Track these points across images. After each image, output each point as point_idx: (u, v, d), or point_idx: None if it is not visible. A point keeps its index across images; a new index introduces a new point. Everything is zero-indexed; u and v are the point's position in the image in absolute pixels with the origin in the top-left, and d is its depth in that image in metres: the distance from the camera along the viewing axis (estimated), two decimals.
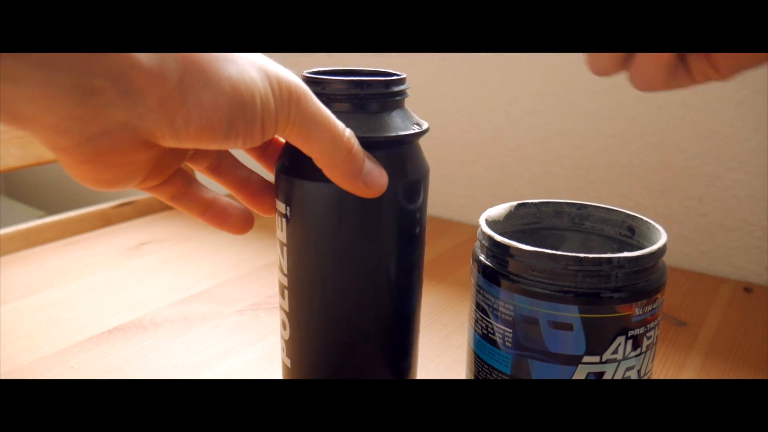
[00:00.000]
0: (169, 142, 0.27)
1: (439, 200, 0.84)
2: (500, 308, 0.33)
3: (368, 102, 0.33)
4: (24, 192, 1.72)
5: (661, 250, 0.33)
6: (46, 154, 0.74)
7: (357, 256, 0.34)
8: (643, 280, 0.32)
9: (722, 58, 0.26)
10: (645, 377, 0.34)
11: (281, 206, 0.35)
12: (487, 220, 0.37)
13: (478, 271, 0.35)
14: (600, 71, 0.28)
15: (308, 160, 0.32)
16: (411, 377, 0.38)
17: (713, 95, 0.63)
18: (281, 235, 0.35)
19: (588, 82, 0.70)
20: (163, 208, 0.85)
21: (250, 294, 0.58)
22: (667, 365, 0.48)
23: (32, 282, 0.60)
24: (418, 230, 0.36)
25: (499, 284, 0.33)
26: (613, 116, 0.69)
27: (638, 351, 0.33)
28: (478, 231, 0.35)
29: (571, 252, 0.31)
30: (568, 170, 0.73)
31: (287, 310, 0.36)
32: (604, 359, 0.32)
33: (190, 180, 0.35)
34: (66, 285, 0.59)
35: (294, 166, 0.33)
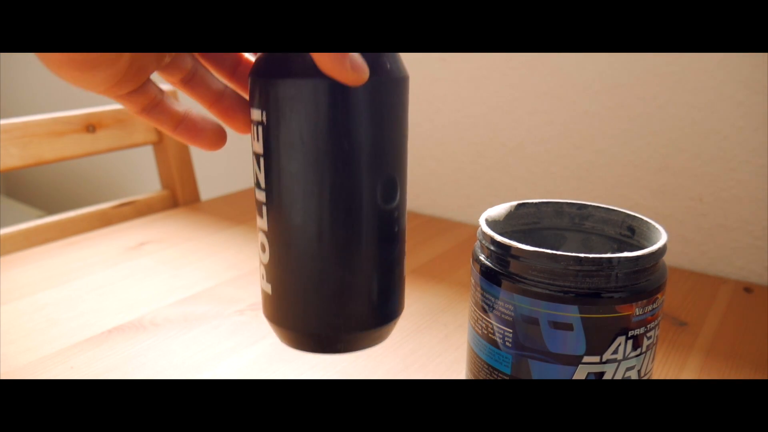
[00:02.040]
0: None
1: (439, 200, 0.84)
2: (500, 308, 0.33)
3: None
4: (24, 192, 1.72)
5: (661, 250, 0.33)
6: (46, 154, 0.74)
7: (338, 158, 0.32)
8: (643, 280, 0.32)
9: None
10: (645, 377, 0.34)
11: (257, 113, 0.33)
12: (487, 220, 0.37)
13: (478, 271, 0.35)
14: None
15: (284, 58, 0.31)
16: (399, 301, 0.36)
17: (714, 95, 0.63)
18: (257, 146, 0.34)
19: (588, 82, 0.70)
20: (163, 207, 0.85)
21: (250, 294, 0.58)
22: (667, 365, 0.48)
23: (32, 282, 0.60)
24: (400, 132, 0.34)
25: (499, 284, 0.33)
26: (613, 116, 0.69)
27: (638, 351, 0.33)
28: (479, 231, 0.35)
29: (571, 252, 0.31)
30: (568, 170, 0.73)
31: (266, 229, 0.34)
32: (604, 359, 0.32)
33: (161, 92, 0.34)
34: (66, 285, 0.59)
35: (270, 65, 0.32)
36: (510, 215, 0.39)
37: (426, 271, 0.64)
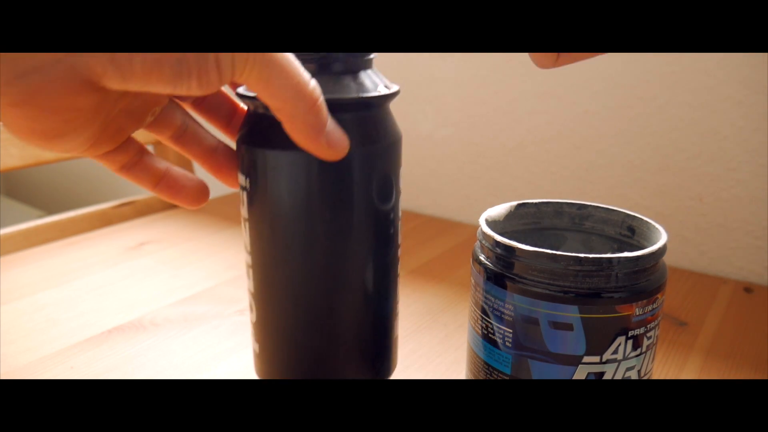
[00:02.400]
0: (113, 82, 0.25)
1: (439, 200, 0.84)
2: (500, 308, 0.33)
3: (333, 62, 0.31)
4: (24, 192, 1.72)
5: (661, 250, 0.33)
6: (46, 154, 0.74)
7: (320, 230, 0.32)
8: (643, 280, 0.32)
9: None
10: (645, 377, 0.34)
11: (242, 178, 0.33)
12: (487, 220, 0.37)
13: (478, 272, 0.35)
14: (543, 66, 0.31)
15: (268, 128, 0.30)
16: (388, 363, 0.36)
17: (713, 95, 0.63)
18: (243, 210, 0.33)
19: (588, 82, 0.70)
20: (164, 208, 0.85)
21: None
22: (667, 365, 0.48)
23: (32, 282, 0.60)
24: (389, 201, 0.33)
25: (499, 284, 0.33)
26: (613, 116, 0.69)
27: (638, 351, 0.33)
28: (479, 231, 0.35)
29: (572, 252, 0.31)
30: (568, 170, 0.73)
31: (253, 291, 0.34)
32: (604, 359, 0.32)
33: (142, 149, 0.33)
34: (66, 285, 0.59)
35: (253, 134, 0.32)
36: (510, 215, 0.39)
37: (426, 271, 0.64)
